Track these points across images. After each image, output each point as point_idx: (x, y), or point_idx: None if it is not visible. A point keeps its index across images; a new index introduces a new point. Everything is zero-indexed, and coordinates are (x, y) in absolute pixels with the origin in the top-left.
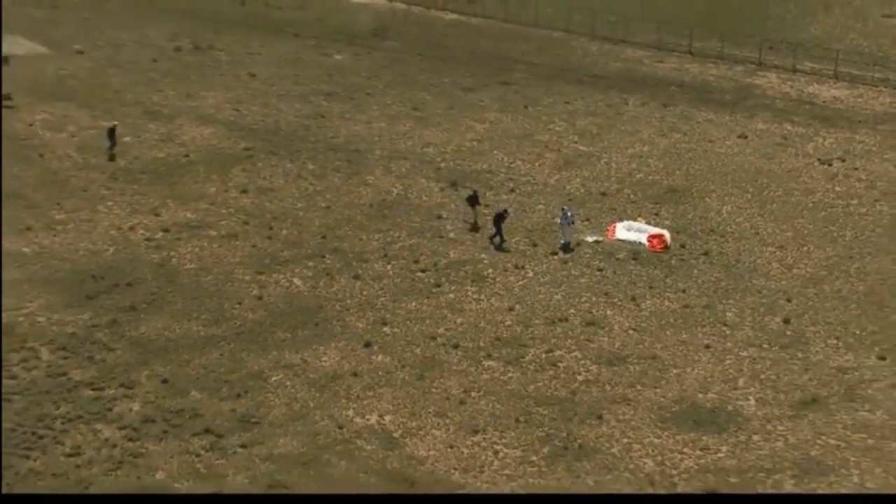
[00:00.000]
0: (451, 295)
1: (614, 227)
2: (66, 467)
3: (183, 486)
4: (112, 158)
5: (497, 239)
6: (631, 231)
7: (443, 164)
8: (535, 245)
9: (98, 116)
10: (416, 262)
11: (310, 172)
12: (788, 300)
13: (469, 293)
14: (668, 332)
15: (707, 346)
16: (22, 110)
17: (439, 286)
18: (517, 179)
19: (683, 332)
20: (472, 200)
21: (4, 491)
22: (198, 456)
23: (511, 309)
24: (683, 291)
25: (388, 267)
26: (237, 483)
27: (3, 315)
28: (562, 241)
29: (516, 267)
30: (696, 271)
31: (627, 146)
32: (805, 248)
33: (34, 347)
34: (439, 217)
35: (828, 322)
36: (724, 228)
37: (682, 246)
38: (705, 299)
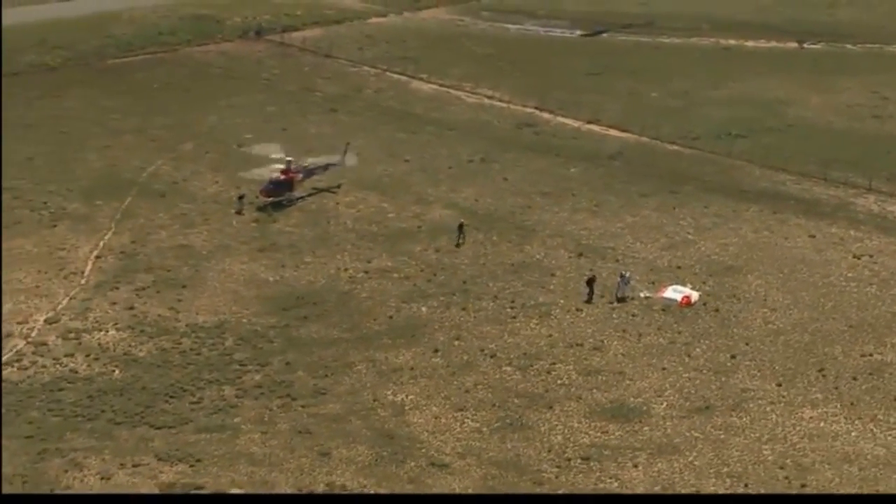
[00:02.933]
0: (518, 324)
1: (665, 288)
2: (185, 410)
3: (246, 427)
4: (458, 245)
5: (589, 294)
6: (675, 292)
7: (584, 242)
8: (602, 296)
9: (383, 200)
10: (512, 301)
11: (490, 241)
12: (747, 344)
13: (531, 324)
14: (644, 358)
15: (663, 369)
16: (340, 194)
17: (514, 318)
18: (626, 254)
19: (655, 358)
20: (590, 282)
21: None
22: (270, 410)
23: (550, 335)
24: (679, 333)
25: (491, 304)
26: (282, 428)
27: (222, 315)
28: (619, 295)
29: (576, 310)
30: (699, 321)
31: (723, 237)
32: (791, 312)
33: (225, 337)
34: (552, 274)
35: (762, 360)
36: (743, 294)
37: (705, 304)
38: (689, 339)
